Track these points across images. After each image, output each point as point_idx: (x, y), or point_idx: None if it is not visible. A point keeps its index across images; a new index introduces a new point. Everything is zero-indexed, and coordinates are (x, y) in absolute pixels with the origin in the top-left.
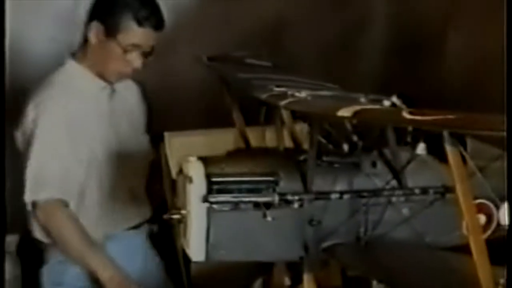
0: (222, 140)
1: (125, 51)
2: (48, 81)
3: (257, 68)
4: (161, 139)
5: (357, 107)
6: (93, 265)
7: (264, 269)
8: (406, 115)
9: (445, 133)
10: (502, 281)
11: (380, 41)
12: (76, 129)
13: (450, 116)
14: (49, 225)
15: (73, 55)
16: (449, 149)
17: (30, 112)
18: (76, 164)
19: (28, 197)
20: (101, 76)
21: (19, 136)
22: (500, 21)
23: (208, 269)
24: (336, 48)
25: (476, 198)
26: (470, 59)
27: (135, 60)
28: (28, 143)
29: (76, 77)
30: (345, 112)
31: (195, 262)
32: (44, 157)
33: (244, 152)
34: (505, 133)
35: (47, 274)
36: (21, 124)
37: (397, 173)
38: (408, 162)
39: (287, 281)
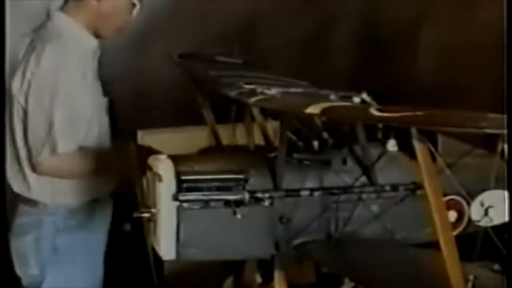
0: (195, 138)
1: (133, 4)
2: (52, 33)
3: (227, 65)
4: (133, 137)
5: (326, 104)
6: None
7: (235, 267)
8: (374, 112)
9: (413, 130)
10: (471, 277)
11: (354, 37)
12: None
13: (418, 113)
14: (63, 171)
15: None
16: (417, 145)
17: (45, 60)
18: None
19: (61, 147)
20: (95, 33)
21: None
22: (472, 15)
23: (182, 268)
24: (310, 44)
25: (447, 194)
26: (443, 53)
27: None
28: (45, 89)
29: (76, 34)
30: (313, 109)
31: (167, 261)
32: (70, 107)
33: (214, 150)
34: (506, 131)
35: (39, 241)
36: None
37: (367, 170)
38: (378, 159)
39: (258, 279)
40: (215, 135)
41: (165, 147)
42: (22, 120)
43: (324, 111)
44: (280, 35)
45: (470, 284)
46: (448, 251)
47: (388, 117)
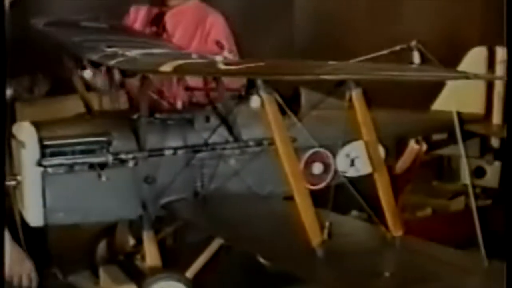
0: (72, 106)
1: None
2: None
3: (92, 30)
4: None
5: (178, 62)
6: None
7: (108, 230)
8: (221, 66)
9: (259, 81)
10: (327, 223)
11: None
12: None
13: (261, 64)
14: None
15: None
16: (264, 96)
17: None
18: None
19: None
20: None
21: None
22: None
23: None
24: None
25: (313, 147)
26: (317, 16)
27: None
28: None
29: None
30: (166, 68)
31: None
32: None
33: (79, 116)
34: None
35: None
36: None
37: (230, 127)
38: (230, 112)
39: (131, 241)
40: (85, 102)
41: (44, 116)
42: None
43: (176, 69)
44: None
45: (326, 231)
46: (302, 200)
47: (233, 70)
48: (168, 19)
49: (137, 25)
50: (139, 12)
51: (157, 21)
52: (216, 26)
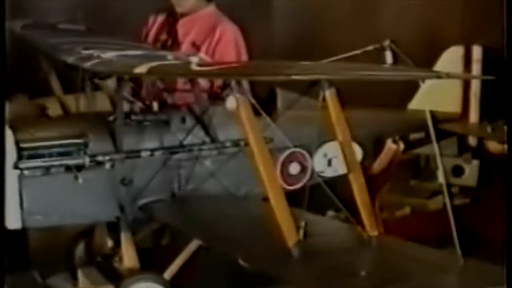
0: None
1: None
2: None
3: (70, 32)
4: None
5: (152, 64)
6: None
7: (86, 232)
8: (194, 67)
9: (233, 82)
10: (302, 223)
11: None
12: None
13: (233, 65)
14: None
15: None
16: (238, 97)
17: None
18: None
19: None
20: None
21: None
22: None
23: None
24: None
25: (289, 147)
26: (297, 15)
27: None
28: None
29: None
30: (141, 69)
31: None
32: None
33: (56, 118)
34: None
35: None
36: None
37: (206, 128)
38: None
39: (109, 242)
40: (62, 104)
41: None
42: None
43: (150, 70)
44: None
45: (301, 231)
46: (276, 201)
47: (206, 71)
48: (180, 27)
49: (152, 33)
50: (156, 20)
51: (171, 29)
52: (226, 36)
